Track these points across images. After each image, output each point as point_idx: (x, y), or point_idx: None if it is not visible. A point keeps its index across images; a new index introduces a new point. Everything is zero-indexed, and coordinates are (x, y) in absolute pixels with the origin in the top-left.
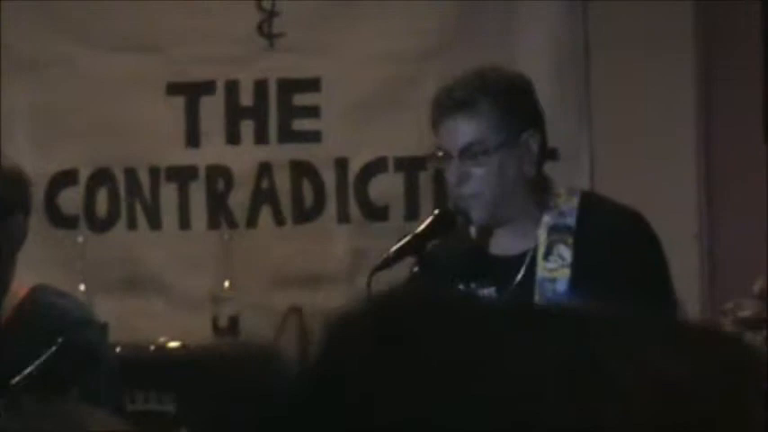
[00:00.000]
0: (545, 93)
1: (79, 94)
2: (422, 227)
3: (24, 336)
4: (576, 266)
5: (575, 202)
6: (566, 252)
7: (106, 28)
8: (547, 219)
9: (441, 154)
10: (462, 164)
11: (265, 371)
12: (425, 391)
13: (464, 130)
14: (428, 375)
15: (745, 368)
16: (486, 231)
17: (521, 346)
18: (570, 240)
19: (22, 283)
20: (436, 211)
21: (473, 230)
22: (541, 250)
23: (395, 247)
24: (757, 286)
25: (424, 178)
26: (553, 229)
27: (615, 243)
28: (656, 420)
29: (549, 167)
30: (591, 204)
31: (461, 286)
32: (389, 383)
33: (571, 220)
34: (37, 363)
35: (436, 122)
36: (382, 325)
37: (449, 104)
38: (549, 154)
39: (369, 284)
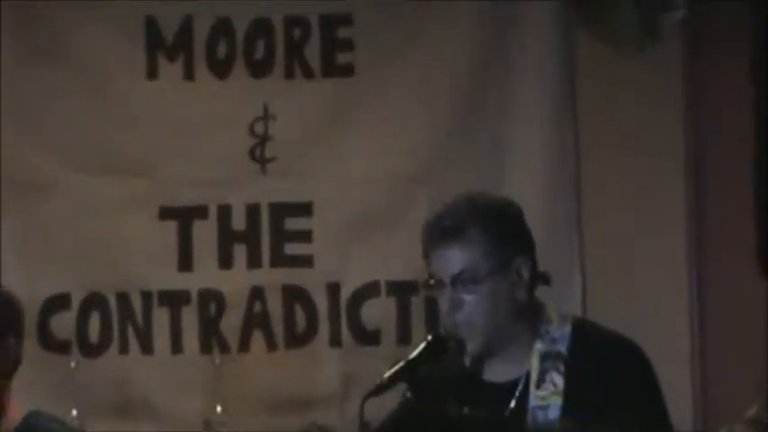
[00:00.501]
0: (536, 213)
1: (70, 218)
2: (415, 353)
3: None
4: (568, 393)
5: (567, 328)
6: (557, 379)
7: (97, 150)
8: (539, 346)
9: (432, 282)
10: (454, 291)
11: None
12: None
13: (455, 258)
14: None
15: None
16: (480, 358)
17: None
18: (562, 367)
19: (17, 409)
20: (429, 337)
21: (466, 358)
22: (534, 378)
23: (388, 374)
24: (750, 412)
25: (416, 302)
26: (545, 357)
27: (607, 370)
28: None
29: (541, 292)
30: (583, 331)
31: (454, 412)
32: None
33: (563, 347)
34: None
35: (427, 251)
36: None
37: (439, 234)
38: (541, 278)
39: (361, 410)
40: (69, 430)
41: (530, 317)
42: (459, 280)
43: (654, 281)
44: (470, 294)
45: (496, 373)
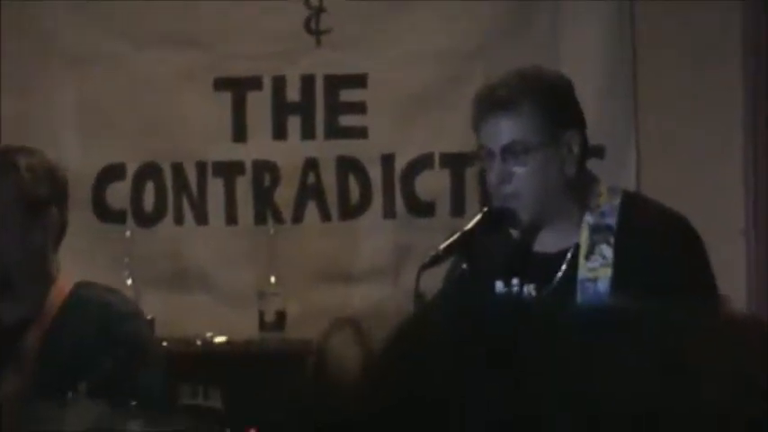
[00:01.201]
0: (592, 91)
1: (125, 91)
2: (471, 224)
3: (72, 332)
4: (618, 266)
5: (616, 201)
6: (607, 251)
7: (152, 25)
8: (588, 218)
9: (483, 153)
10: (504, 163)
11: (311, 371)
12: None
13: (505, 129)
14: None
15: None
16: (529, 230)
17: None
18: (612, 240)
19: (66, 279)
20: (484, 209)
21: (515, 231)
22: (583, 250)
23: (443, 245)
24: None
25: (470, 174)
26: (595, 229)
27: (657, 245)
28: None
29: (594, 165)
30: (633, 205)
31: (503, 282)
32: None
33: (612, 220)
34: (94, 374)
35: (478, 122)
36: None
37: (490, 104)
38: (595, 151)
39: (417, 281)
40: (120, 299)
41: (580, 190)
42: (508, 151)
43: (709, 157)
44: (519, 166)
45: (547, 243)
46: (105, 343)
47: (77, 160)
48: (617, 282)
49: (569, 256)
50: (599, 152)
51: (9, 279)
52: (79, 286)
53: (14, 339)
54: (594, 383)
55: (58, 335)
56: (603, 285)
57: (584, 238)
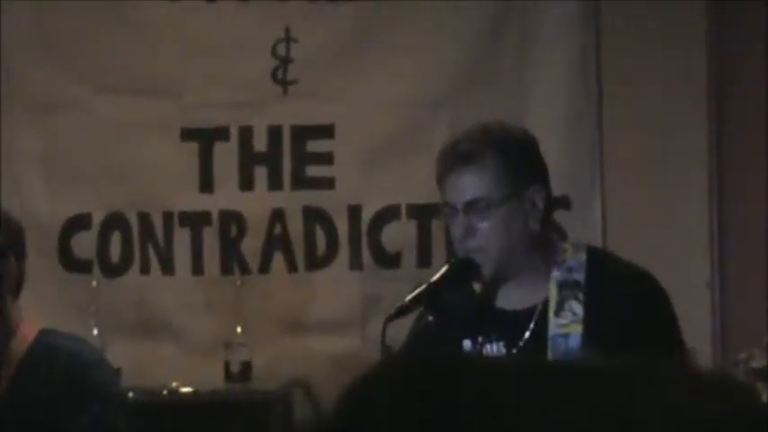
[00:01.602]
0: (558, 140)
1: (92, 138)
2: (437, 275)
3: (36, 379)
4: (589, 322)
5: (582, 257)
6: (577, 307)
7: (120, 72)
8: (556, 274)
9: (446, 208)
10: (467, 218)
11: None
12: None
13: (469, 184)
14: None
15: (760, 415)
16: (494, 285)
17: (554, 404)
18: (581, 296)
19: (30, 328)
20: (451, 261)
21: (477, 285)
22: (552, 306)
23: (410, 296)
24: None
25: (437, 225)
26: (563, 285)
27: (626, 301)
28: None
29: (561, 216)
30: (599, 260)
31: (470, 339)
32: None
33: (580, 276)
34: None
35: (441, 177)
36: (411, 388)
37: (453, 159)
38: (561, 203)
39: (383, 333)
40: (85, 347)
41: (544, 245)
42: (471, 207)
43: (674, 209)
44: (483, 221)
45: (514, 300)
46: (74, 392)
47: (43, 209)
48: (587, 338)
49: (538, 312)
50: (565, 203)
51: None
52: (43, 334)
53: None
54: None
55: (23, 383)
56: (575, 341)
57: (553, 294)
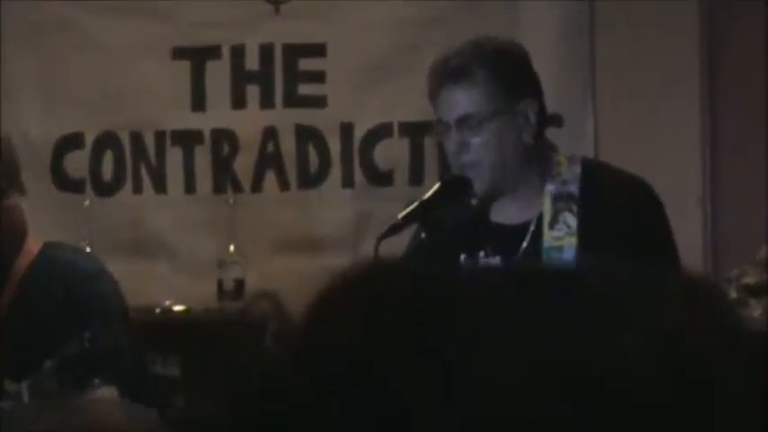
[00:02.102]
0: (549, 59)
1: (84, 59)
2: (429, 194)
3: (37, 293)
4: (583, 234)
5: (577, 169)
6: (571, 220)
7: None
8: (550, 187)
9: (439, 125)
10: (460, 133)
11: (266, 342)
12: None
13: (461, 100)
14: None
15: (738, 327)
16: (489, 200)
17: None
18: (575, 208)
19: (35, 241)
20: (443, 179)
21: (473, 200)
22: (547, 219)
23: (402, 214)
24: (761, 254)
25: (429, 143)
26: (557, 198)
27: (621, 210)
28: (654, 374)
29: (553, 134)
30: (594, 172)
31: (466, 254)
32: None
33: (574, 188)
34: (64, 352)
35: (433, 93)
36: (380, 301)
37: (444, 75)
38: (552, 120)
39: (376, 250)
40: (86, 257)
41: (539, 159)
42: (463, 122)
43: (666, 122)
44: (476, 136)
45: (508, 214)
46: (74, 303)
47: (35, 130)
48: (582, 249)
49: (533, 226)
50: (557, 121)
51: None
52: (46, 247)
53: None
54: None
55: (25, 297)
56: (569, 253)
57: (547, 207)
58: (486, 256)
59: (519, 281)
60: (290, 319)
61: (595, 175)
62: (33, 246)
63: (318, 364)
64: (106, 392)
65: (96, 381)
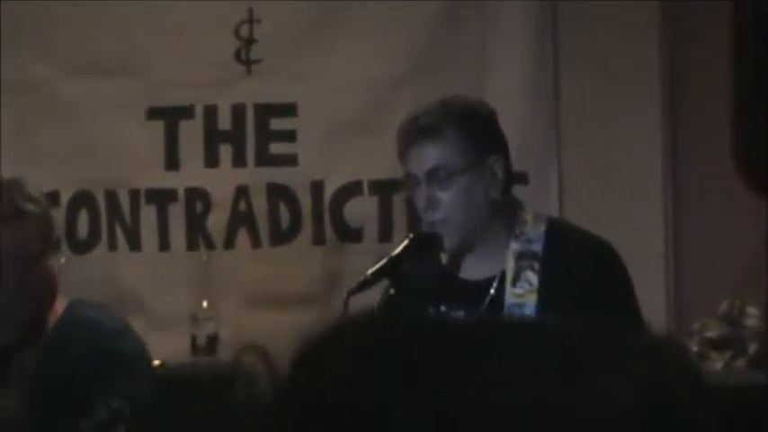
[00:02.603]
0: (516, 117)
1: (60, 118)
2: (398, 250)
3: (62, 352)
4: (543, 292)
5: (542, 228)
6: (533, 278)
7: (86, 53)
8: (515, 246)
9: (408, 179)
10: (429, 188)
11: (243, 392)
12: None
13: (430, 155)
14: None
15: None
16: (457, 256)
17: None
18: (537, 266)
19: (60, 300)
20: (411, 235)
21: (444, 256)
22: (510, 276)
23: (371, 270)
24: (722, 308)
25: (398, 201)
26: (521, 256)
27: (582, 271)
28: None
29: (519, 191)
30: (558, 232)
31: (432, 308)
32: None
33: (538, 247)
34: (96, 415)
35: (403, 150)
36: (367, 343)
37: (414, 132)
38: (518, 178)
39: (345, 306)
40: (111, 315)
41: (505, 216)
42: (432, 176)
43: (630, 182)
44: (445, 191)
45: (473, 270)
46: (100, 360)
47: None
48: (543, 307)
49: (496, 282)
50: (523, 178)
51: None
52: (70, 306)
53: (11, 359)
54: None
55: (51, 357)
56: (530, 310)
57: (510, 264)
58: (451, 309)
59: (489, 330)
60: (277, 370)
61: (559, 235)
62: (59, 304)
63: (306, 407)
64: None
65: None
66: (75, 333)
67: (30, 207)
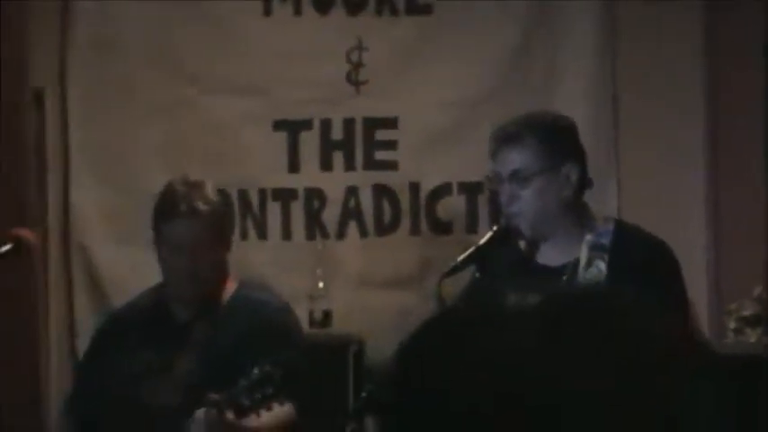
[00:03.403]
0: (580, 132)
1: (203, 130)
2: (483, 240)
3: (235, 321)
4: (611, 278)
5: (611, 226)
6: (602, 265)
7: (221, 76)
8: (588, 237)
9: (496, 179)
10: (511, 186)
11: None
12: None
13: (513, 158)
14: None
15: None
16: (533, 244)
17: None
18: (606, 257)
19: (232, 279)
20: (495, 227)
21: (522, 244)
22: (583, 262)
23: (460, 257)
24: (756, 291)
25: (482, 199)
26: (593, 247)
27: (642, 263)
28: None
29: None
30: (624, 230)
31: (512, 291)
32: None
33: (606, 241)
34: (255, 372)
35: (493, 152)
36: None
37: (502, 138)
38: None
39: (438, 287)
40: (273, 294)
41: (577, 213)
42: (514, 176)
43: (676, 189)
44: (523, 189)
45: (550, 257)
46: (263, 332)
47: (163, 185)
48: None
49: (570, 269)
50: (589, 183)
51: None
52: (241, 285)
53: (190, 329)
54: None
55: (222, 331)
56: None
57: (583, 253)
58: (529, 292)
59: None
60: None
61: (625, 233)
62: (230, 284)
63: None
64: (286, 408)
65: (280, 397)
66: (243, 308)
67: (203, 206)
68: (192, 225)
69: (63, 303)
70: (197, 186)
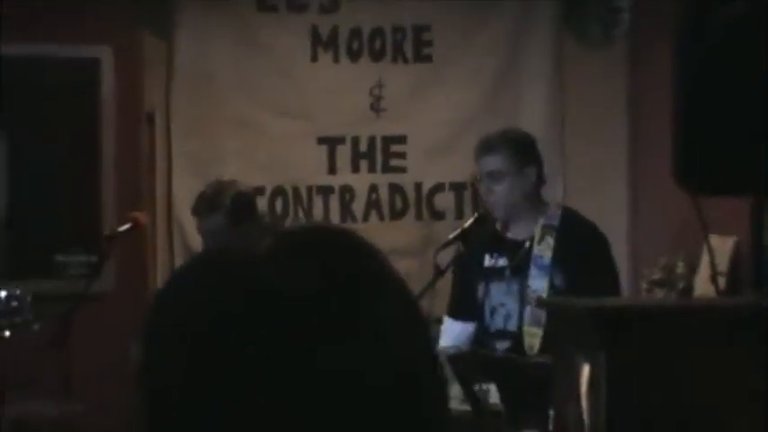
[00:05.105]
0: (538, 144)
1: (264, 142)
2: (467, 223)
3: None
4: (556, 249)
5: (559, 212)
6: (550, 240)
7: (281, 105)
8: (541, 220)
9: (478, 177)
10: (488, 183)
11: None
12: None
13: (490, 162)
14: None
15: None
16: (505, 224)
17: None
18: (554, 234)
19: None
20: (476, 214)
21: (498, 224)
22: (536, 238)
23: (451, 236)
24: (662, 260)
25: (467, 194)
26: (544, 227)
27: (581, 240)
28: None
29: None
30: (569, 215)
31: (488, 257)
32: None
33: (555, 222)
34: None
35: (477, 158)
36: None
37: (483, 147)
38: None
39: (435, 258)
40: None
41: (536, 203)
42: (491, 175)
43: (605, 184)
44: (498, 185)
45: (516, 233)
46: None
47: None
48: (554, 259)
49: (528, 242)
50: (544, 181)
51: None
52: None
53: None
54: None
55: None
56: (547, 260)
57: (537, 231)
58: (500, 257)
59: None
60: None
61: (570, 217)
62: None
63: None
64: None
65: None
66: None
67: (227, 202)
68: (213, 218)
69: (167, 265)
70: (226, 185)
